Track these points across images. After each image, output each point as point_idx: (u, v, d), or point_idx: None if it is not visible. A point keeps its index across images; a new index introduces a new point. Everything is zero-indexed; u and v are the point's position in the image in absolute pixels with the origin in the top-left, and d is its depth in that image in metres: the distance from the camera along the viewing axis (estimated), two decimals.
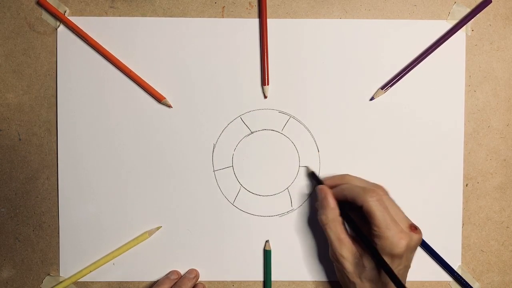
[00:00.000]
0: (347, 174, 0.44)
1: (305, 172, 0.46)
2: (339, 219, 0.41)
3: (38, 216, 0.47)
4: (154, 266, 0.47)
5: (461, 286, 0.47)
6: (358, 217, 0.42)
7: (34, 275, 0.47)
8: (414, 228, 0.40)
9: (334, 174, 0.46)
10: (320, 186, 0.43)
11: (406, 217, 0.40)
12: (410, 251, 0.39)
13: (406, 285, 0.47)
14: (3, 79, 0.46)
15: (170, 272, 0.46)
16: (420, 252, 0.47)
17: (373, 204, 0.39)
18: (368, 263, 0.39)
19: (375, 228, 0.38)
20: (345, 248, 0.40)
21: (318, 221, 0.42)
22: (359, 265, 0.40)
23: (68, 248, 0.47)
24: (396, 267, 0.39)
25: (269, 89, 0.46)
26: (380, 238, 0.38)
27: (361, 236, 0.40)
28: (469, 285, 0.46)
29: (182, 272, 0.47)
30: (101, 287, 0.47)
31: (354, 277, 0.40)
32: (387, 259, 0.38)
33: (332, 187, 0.43)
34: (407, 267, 0.41)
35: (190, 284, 0.45)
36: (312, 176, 0.46)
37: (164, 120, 0.47)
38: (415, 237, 0.39)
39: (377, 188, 0.40)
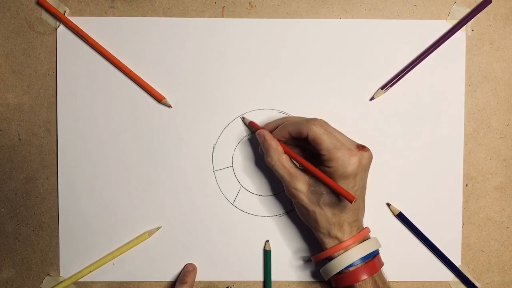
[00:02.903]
0: (286, 116, 0.45)
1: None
2: (285, 156, 0.42)
3: (38, 216, 0.47)
4: (154, 266, 0.47)
5: (464, 284, 0.46)
6: (303, 153, 0.43)
7: (34, 275, 0.47)
8: (362, 147, 0.41)
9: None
10: (259, 131, 0.43)
11: (352, 140, 0.42)
12: (363, 170, 0.40)
13: (405, 285, 0.47)
14: (3, 79, 0.46)
15: (185, 266, 0.47)
16: (420, 252, 0.47)
17: (317, 130, 0.39)
18: (324, 189, 0.40)
19: (324, 152, 0.39)
20: (298, 180, 0.41)
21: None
22: (315, 192, 0.40)
23: (68, 248, 0.47)
24: (352, 188, 0.40)
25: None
26: (330, 160, 0.39)
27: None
28: (471, 283, 0.46)
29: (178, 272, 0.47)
30: (101, 287, 0.47)
31: (313, 206, 0.40)
32: (342, 181, 0.39)
33: (273, 130, 0.43)
34: (364, 187, 0.42)
35: (193, 276, 0.46)
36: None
37: (164, 120, 0.47)
38: (365, 155, 0.40)
39: (317, 118, 0.41)
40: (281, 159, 0.41)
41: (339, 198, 0.40)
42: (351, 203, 0.38)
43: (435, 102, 0.47)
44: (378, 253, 0.42)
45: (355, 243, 0.41)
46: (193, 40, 0.46)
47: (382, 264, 0.42)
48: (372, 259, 0.41)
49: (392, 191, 0.47)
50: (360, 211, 0.42)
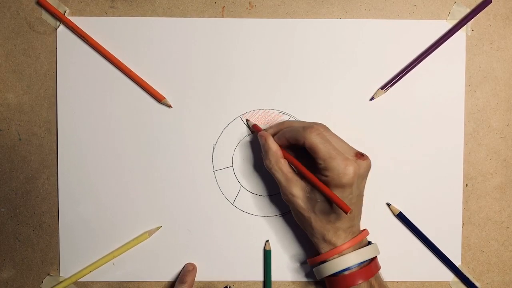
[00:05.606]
0: (286, 120, 0.45)
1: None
2: (284, 160, 0.42)
3: (38, 216, 0.47)
4: (154, 266, 0.47)
5: (464, 284, 0.46)
6: (304, 159, 0.43)
7: (34, 275, 0.47)
8: (360, 155, 0.40)
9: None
10: (261, 132, 0.43)
11: (351, 147, 0.41)
12: (360, 178, 0.40)
13: (405, 285, 0.47)
14: (3, 79, 0.46)
15: (185, 266, 0.47)
16: (420, 252, 0.47)
17: (313, 139, 0.39)
18: (319, 196, 0.40)
19: (320, 161, 0.39)
20: (294, 186, 0.41)
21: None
22: (311, 199, 0.40)
23: (68, 248, 0.47)
24: (347, 196, 0.39)
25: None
26: (326, 170, 0.39)
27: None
28: (471, 283, 0.46)
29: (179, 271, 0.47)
30: (101, 287, 0.47)
31: (308, 212, 0.40)
32: (338, 190, 0.39)
33: (275, 135, 0.43)
34: (360, 196, 0.42)
35: (193, 276, 0.46)
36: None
37: (164, 120, 0.47)
38: (363, 163, 0.40)
39: (316, 125, 0.41)
40: (279, 163, 0.41)
41: (333, 205, 0.40)
42: (347, 214, 0.37)
43: (435, 102, 0.47)
44: (376, 257, 0.42)
45: (351, 247, 0.41)
46: (193, 40, 0.46)
47: (378, 268, 0.42)
48: (369, 264, 0.41)
49: (392, 191, 0.47)
50: (356, 218, 0.42)
